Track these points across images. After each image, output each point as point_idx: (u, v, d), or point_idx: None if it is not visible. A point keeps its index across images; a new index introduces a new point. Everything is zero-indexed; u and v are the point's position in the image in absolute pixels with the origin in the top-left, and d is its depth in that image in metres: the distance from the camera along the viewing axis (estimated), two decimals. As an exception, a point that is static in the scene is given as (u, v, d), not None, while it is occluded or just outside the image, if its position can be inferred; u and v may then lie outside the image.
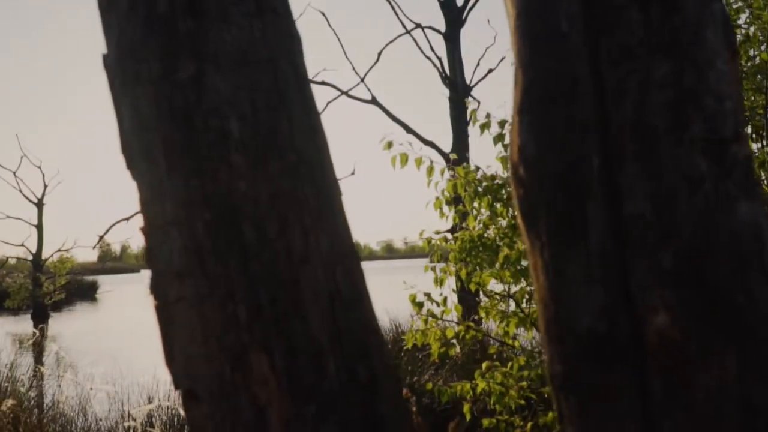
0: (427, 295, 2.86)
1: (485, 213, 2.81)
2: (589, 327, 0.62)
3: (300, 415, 0.69)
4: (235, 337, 0.71)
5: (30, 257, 23.70)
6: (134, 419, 4.01)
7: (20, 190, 23.28)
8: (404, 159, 2.72)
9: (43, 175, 23.74)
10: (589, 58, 0.68)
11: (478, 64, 10.34)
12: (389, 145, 2.74)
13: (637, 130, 0.63)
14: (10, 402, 3.69)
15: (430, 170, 2.76)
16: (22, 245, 23.13)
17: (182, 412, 4.43)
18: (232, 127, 0.75)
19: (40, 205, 23.77)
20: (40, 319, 18.73)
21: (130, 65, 0.80)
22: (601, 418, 0.62)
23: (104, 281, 36.45)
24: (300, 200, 0.75)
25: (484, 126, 2.86)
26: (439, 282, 2.82)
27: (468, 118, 10.58)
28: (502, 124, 2.74)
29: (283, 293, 0.71)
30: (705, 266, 0.59)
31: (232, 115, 0.75)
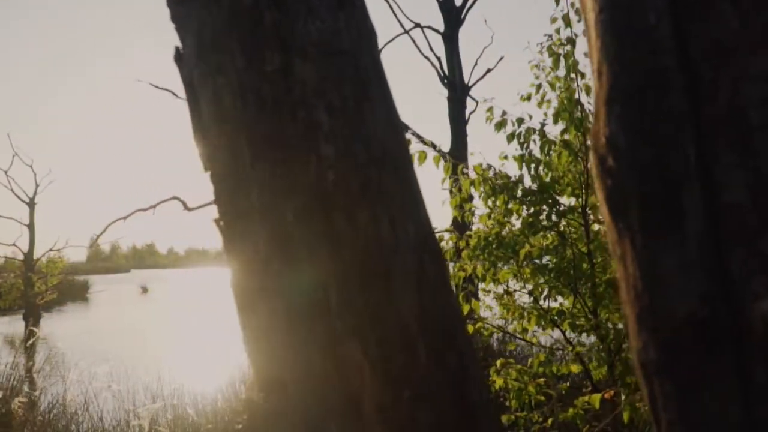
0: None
1: (498, 211, 2.83)
2: (689, 314, 0.63)
3: (396, 401, 0.70)
4: (327, 325, 0.72)
5: (21, 257, 23.53)
6: (141, 418, 4.00)
7: (12, 190, 23.11)
8: (423, 157, 2.74)
9: (35, 174, 23.58)
10: (677, 50, 0.70)
11: (476, 64, 10.37)
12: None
13: (731, 123, 0.64)
14: (18, 400, 3.66)
15: (448, 168, 2.77)
16: (14, 245, 22.96)
17: (190, 411, 4.42)
18: (321, 117, 0.76)
19: (31, 204, 23.60)
20: (32, 319, 18.60)
21: (211, 57, 0.80)
22: (700, 403, 0.64)
23: (95, 281, 36.26)
24: (387, 189, 0.76)
25: (500, 125, 2.87)
26: (457, 279, 2.83)
27: (466, 118, 10.64)
28: (519, 121, 2.76)
29: (374, 281, 0.72)
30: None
31: (320, 106, 0.76)
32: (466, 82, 10.05)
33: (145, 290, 37.71)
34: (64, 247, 24.38)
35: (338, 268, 0.73)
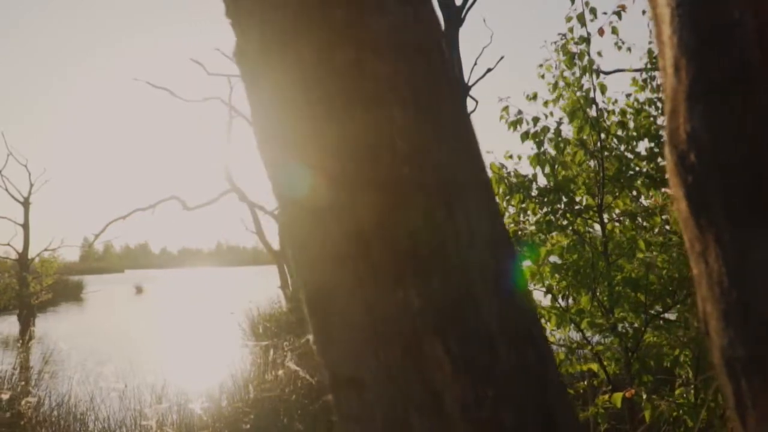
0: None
1: (515, 210, 2.83)
2: (782, 309, 0.63)
3: (479, 400, 0.69)
4: (408, 323, 0.71)
5: (15, 256, 23.39)
6: (148, 418, 3.98)
7: (6, 189, 22.98)
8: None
9: (29, 174, 23.45)
10: (761, 45, 0.69)
11: (475, 63, 10.38)
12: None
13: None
14: (25, 401, 3.64)
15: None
16: (8, 245, 22.84)
17: (198, 411, 4.40)
18: (394, 113, 0.75)
19: (26, 204, 23.47)
20: (27, 319, 18.51)
21: (276, 53, 0.79)
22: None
23: (89, 281, 36.12)
24: (462, 184, 0.75)
25: (515, 123, 2.87)
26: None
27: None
28: (535, 121, 2.76)
29: (454, 277, 0.71)
30: None
31: (393, 101, 0.75)
32: (466, 81, 10.06)
33: (140, 290, 37.58)
34: (59, 247, 24.26)
35: (417, 265, 0.72)
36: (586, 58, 2.88)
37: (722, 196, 0.67)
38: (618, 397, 2.23)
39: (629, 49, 4.86)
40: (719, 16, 0.71)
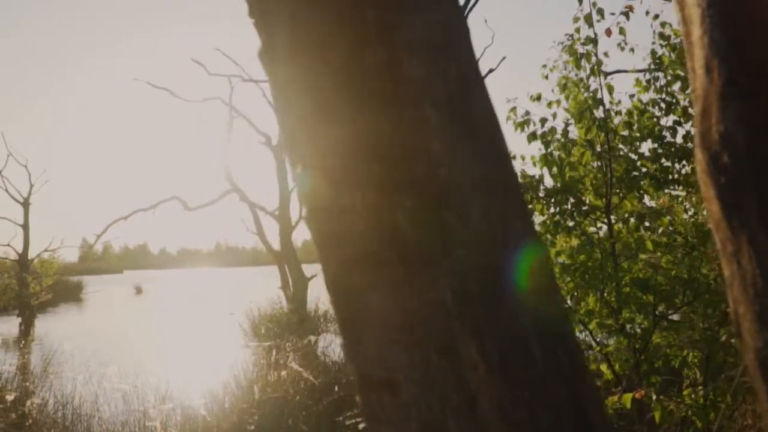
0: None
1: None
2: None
3: (515, 402, 0.69)
4: (443, 324, 0.71)
5: (16, 257, 23.37)
6: (153, 419, 3.97)
7: (6, 190, 22.97)
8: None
9: (29, 174, 23.44)
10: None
11: (477, 64, 10.37)
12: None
13: None
14: (30, 402, 3.63)
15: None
16: (8, 245, 22.82)
17: (202, 412, 4.40)
18: (429, 113, 0.75)
19: (26, 204, 23.46)
20: (29, 320, 18.48)
21: (306, 53, 0.79)
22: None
23: (88, 282, 36.07)
24: (495, 184, 0.75)
25: (522, 124, 2.87)
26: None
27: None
28: (543, 121, 2.76)
29: (489, 278, 0.71)
30: None
31: (427, 102, 0.75)
32: (467, 82, 10.04)
33: (139, 291, 37.56)
34: (58, 248, 24.25)
35: (453, 266, 0.72)
36: (594, 58, 2.89)
37: (756, 197, 0.67)
38: (628, 398, 2.23)
39: (632, 49, 4.87)
40: (751, 17, 0.71)
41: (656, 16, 4.93)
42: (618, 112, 3.55)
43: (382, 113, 0.75)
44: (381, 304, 0.75)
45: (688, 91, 4.90)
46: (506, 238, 0.74)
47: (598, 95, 2.86)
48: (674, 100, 4.73)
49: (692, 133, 5.06)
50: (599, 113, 2.82)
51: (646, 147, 4.52)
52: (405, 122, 0.75)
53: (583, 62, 2.91)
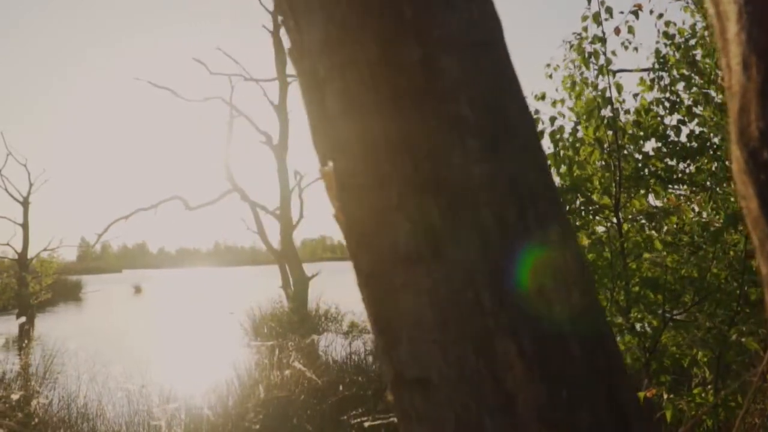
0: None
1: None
2: None
3: (554, 400, 0.68)
4: (480, 323, 0.70)
5: (15, 256, 23.34)
6: (158, 418, 3.96)
7: (5, 189, 22.94)
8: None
9: (29, 174, 23.41)
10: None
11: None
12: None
13: None
14: (36, 401, 3.62)
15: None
16: (8, 244, 22.80)
17: (206, 411, 4.39)
18: (464, 111, 0.74)
19: (25, 203, 23.43)
20: (31, 319, 18.46)
21: (340, 50, 0.78)
22: None
23: (87, 281, 36.05)
24: (532, 184, 0.75)
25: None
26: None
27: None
28: (552, 120, 2.75)
29: (525, 278, 0.71)
30: None
31: (463, 99, 0.74)
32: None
33: (138, 290, 37.57)
34: (58, 247, 24.23)
35: (489, 265, 0.71)
36: (602, 57, 2.88)
37: (799, 195, 0.66)
38: (640, 396, 2.22)
39: (636, 48, 4.87)
40: (793, 13, 0.70)
41: (660, 15, 4.93)
42: (627, 111, 3.55)
43: (417, 110, 0.74)
44: (416, 303, 0.74)
45: (692, 91, 4.90)
46: (544, 239, 0.73)
47: (607, 94, 2.85)
48: (678, 99, 4.73)
49: (696, 132, 5.07)
50: (607, 112, 2.81)
51: (649, 146, 4.52)
52: (440, 120, 0.74)
53: (592, 61, 2.90)
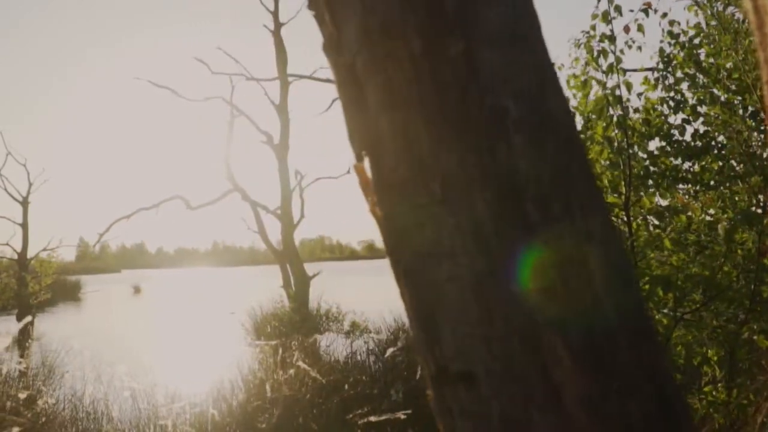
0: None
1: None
2: None
3: (604, 393, 0.68)
4: (526, 317, 0.70)
5: (14, 256, 23.30)
6: (164, 417, 3.96)
7: (5, 189, 22.91)
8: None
9: (28, 174, 23.38)
10: None
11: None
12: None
13: None
14: (42, 400, 3.62)
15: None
16: (7, 244, 22.76)
17: (211, 410, 4.39)
18: (508, 104, 0.74)
19: (25, 203, 23.40)
20: (33, 319, 18.43)
21: (380, 44, 0.78)
22: None
23: (86, 281, 36.02)
24: (576, 177, 0.75)
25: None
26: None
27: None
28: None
29: (572, 271, 0.71)
30: None
31: (506, 93, 0.74)
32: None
33: (137, 290, 37.56)
34: (57, 247, 24.20)
35: (535, 259, 0.71)
36: (611, 56, 2.88)
37: None
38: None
39: (640, 47, 4.87)
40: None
41: (665, 15, 4.94)
42: (636, 110, 3.56)
43: (461, 103, 0.74)
44: (460, 297, 0.74)
45: (697, 90, 4.91)
46: (587, 231, 0.73)
47: (616, 92, 2.85)
48: (682, 98, 4.74)
49: (701, 131, 5.07)
50: (617, 110, 2.81)
51: (653, 145, 4.53)
52: (484, 113, 0.74)
53: (600, 59, 2.91)
